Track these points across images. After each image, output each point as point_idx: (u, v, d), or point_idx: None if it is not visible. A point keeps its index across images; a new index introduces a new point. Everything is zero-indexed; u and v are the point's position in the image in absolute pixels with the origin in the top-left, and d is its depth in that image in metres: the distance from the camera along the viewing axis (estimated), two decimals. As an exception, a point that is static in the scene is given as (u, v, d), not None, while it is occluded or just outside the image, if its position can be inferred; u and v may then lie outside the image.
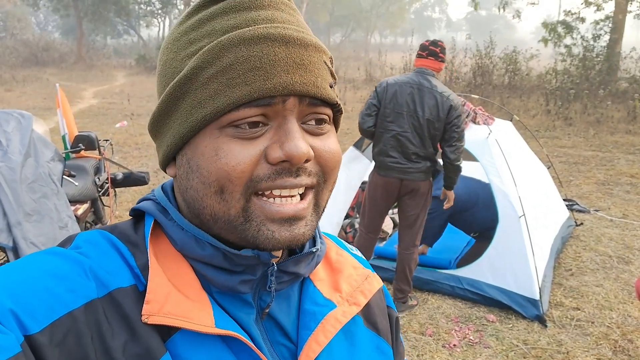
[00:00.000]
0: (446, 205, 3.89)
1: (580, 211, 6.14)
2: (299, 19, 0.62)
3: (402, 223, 3.89)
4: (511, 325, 3.72)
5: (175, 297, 0.57)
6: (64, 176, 3.67)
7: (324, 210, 0.64)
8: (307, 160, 0.57)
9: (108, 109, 14.55)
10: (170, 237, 0.63)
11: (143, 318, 0.55)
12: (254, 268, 0.61)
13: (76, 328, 0.52)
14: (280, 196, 0.58)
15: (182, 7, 36.97)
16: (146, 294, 0.57)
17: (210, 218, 0.59)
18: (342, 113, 0.65)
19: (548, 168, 5.78)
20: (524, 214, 4.01)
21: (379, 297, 0.78)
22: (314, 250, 0.68)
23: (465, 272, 4.13)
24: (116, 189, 4.86)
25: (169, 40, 0.63)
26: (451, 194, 3.83)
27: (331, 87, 0.61)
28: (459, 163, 3.64)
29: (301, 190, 0.59)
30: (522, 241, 3.94)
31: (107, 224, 4.51)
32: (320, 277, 0.72)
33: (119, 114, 13.43)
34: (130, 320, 0.55)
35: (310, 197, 0.60)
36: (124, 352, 0.53)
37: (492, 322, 3.76)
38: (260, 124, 0.57)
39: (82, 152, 4.43)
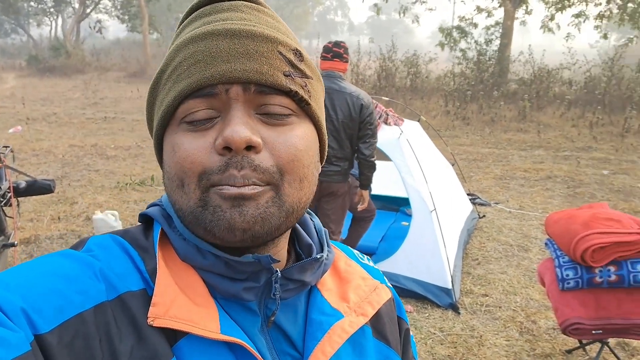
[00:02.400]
0: (360, 207, 3.99)
1: (482, 204, 6.55)
2: (263, 18, 0.63)
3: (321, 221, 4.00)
4: (427, 314, 3.92)
5: (182, 301, 0.57)
6: (-38, 186, 3.40)
7: (297, 210, 0.61)
8: (251, 148, 0.56)
9: (-1, 113, 13.54)
10: (173, 246, 0.63)
11: (148, 320, 0.55)
12: (258, 275, 0.62)
13: (85, 330, 0.52)
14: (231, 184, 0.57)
15: (76, 5, 35.08)
16: (153, 297, 0.57)
17: (180, 214, 0.60)
18: (310, 105, 0.62)
19: (452, 165, 6.12)
20: (435, 209, 4.24)
21: (389, 307, 0.77)
22: (319, 257, 0.67)
23: (382, 265, 4.28)
24: (19, 199, 4.55)
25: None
26: (367, 195, 3.94)
27: (288, 75, 0.59)
28: (373, 159, 3.75)
29: (251, 188, 0.56)
30: (434, 234, 4.16)
31: (11, 235, 4.22)
32: (328, 286, 0.71)
33: (12, 118, 12.55)
34: (138, 324, 0.55)
35: (264, 187, 0.57)
36: (131, 355, 0.53)
37: (409, 312, 3.93)
38: (209, 116, 0.58)
39: (-20, 160, 4.11)
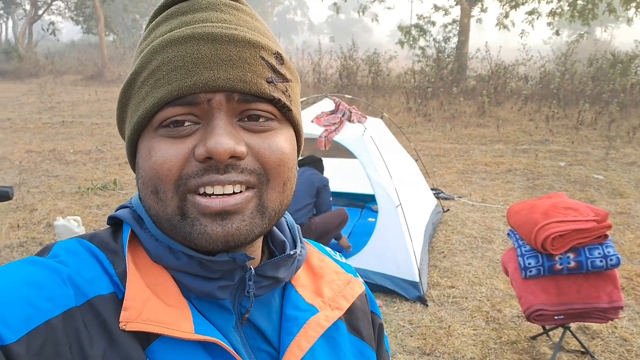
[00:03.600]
0: None
1: (445, 198, 6.68)
2: (243, 18, 0.61)
3: None
4: (397, 307, 3.98)
5: (154, 303, 0.57)
6: None
7: (279, 213, 0.62)
8: (236, 157, 0.56)
9: (-51, 120, 13.04)
10: (145, 247, 0.62)
11: (121, 325, 0.54)
12: (232, 273, 0.61)
13: (54, 337, 0.51)
14: (213, 194, 0.56)
15: (27, 7, 34.04)
16: (124, 301, 0.56)
17: (155, 219, 0.60)
18: (290, 110, 0.62)
19: (416, 161, 6.22)
20: (400, 204, 4.30)
21: (362, 302, 0.78)
22: (292, 253, 0.67)
23: (351, 261, 4.32)
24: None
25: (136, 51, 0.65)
26: None
27: (270, 82, 0.59)
28: None
29: (237, 189, 0.57)
30: (401, 229, 4.23)
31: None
32: (302, 282, 0.71)
33: (-36, 125, 12.11)
34: (109, 328, 0.54)
35: (247, 194, 0.57)
36: None
37: (379, 306, 3.98)
38: (189, 123, 0.56)
39: None
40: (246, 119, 0.58)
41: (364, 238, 4.50)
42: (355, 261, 4.30)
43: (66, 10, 34.70)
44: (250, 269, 0.63)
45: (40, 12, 31.96)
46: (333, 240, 4.88)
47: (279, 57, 0.61)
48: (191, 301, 0.61)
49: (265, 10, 58.41)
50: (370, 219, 5.62)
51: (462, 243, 5.26)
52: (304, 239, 0.75)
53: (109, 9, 30.96)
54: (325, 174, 5.19)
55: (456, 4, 17.04)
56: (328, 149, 4.74)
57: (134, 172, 0.64)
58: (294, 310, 0.67)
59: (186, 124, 0.57)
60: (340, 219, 4.78)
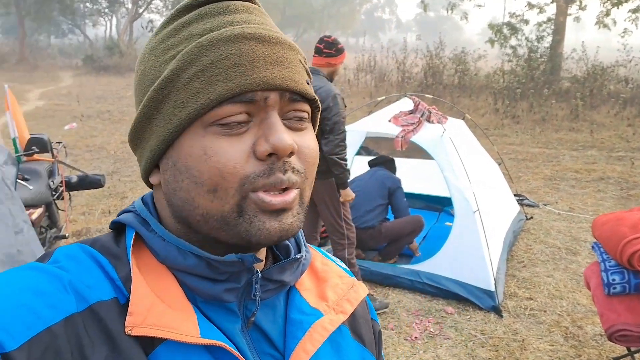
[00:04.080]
0: (345, 200, 3.84)
1: (530, 205, 6.39)
2: (271, 22, 0.64)
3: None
4: (469, 316, 3.85)
5: (159, 308, 0.57)
6: (17, 180, 3.56)
7: (307, 206, 0.65)
8: (291, 154, 0.58)
9: (55, 110, 14.11)
10: (152, 248, 0.62)
11: (126, 330, 0.54)
12: (239, 275, 0.61)
13: (55, 344, 0.51)
14: (271, 190, 0.58)
15: (129, 5, 36.15)
16: (129, 306, 0.56)
17: (201, 218, 0.59)
18: (320, 110, 0.66)
19: (499, 165, 5.99)
20: (478, 209, 4.16)
21: (363, 308, 0.79)
22: (299, 257, 0.67)
23: (423, 266, 4.24)
24: (70, 192, 4.74)
25: (145, 50, 0.63)
26: (346, 192, 3.76)
27: (308, 84, 0.62)
28: (334, 157, 3.60)
29: (286, 186, 0.59)
30: (477, 235, 4.09)
31: (63, 228, 4.39)
32: (306, 286, 0.71)
33: (68, 115, 13.05)
34: (112, 333, 0.54)
35: (295, 191, 0.60)
36: None
37: (450, 314, 3.88)
38: (244, 121, 0.57)
39: (35, 155, 4.30)
40: (292, 118, 0.61)
41: (439, 242, 4.38)
42: (427, 266, 4.21)
43: (164, 9, 36.53)
44: (257, 272, 0.63)
45: (140, 10, 33.83)
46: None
47: (305, 60, 0.64)
48: (196, 305, 0.61)
49: (354, 9, 58.47)
50: (447, 223, 5.47)
51: (544, 253, 5.00)
52: (307, 244, 0.74)
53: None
54: (401, 174, 5.12)
55: (552, 2, 16.25)
56: (404, 149, 4.67)
57: (147, 176, 0.64)
58: (298, 314, 0.67)
59: (242, 122, 0.57)
60: (414, 226, 4.68)
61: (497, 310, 3.87)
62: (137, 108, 0.62)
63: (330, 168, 3.65)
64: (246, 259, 0.60)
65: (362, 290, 0.76)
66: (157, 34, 0.63)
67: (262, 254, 0.66)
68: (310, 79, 0.65)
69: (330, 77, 3.77)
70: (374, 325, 0.80)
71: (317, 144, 0.64)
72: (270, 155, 0.57)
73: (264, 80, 0.56)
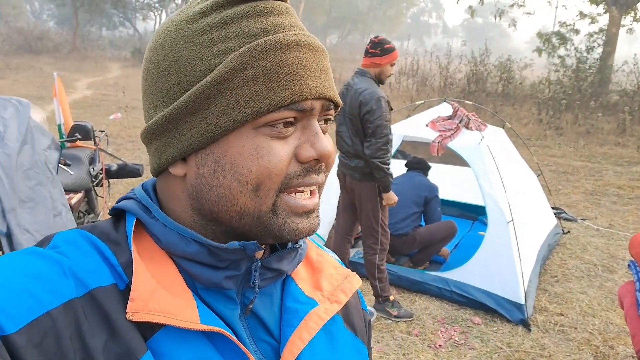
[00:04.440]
0: (387, 204, 3.80)
1: (567, 219, 6.23)
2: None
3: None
4: (496, 328, 3.78)
5: (160, 294, 0.57)
6: (59, 165, 3.67)
7: None
8: None
9: (102, 100, 14.51)
10: (154, 235, 0.63)
11: (128, 315, 0.55)
12: (239, 263, 0.62)
13: (55, 328, 0.51)
14: (303, 191, 0.62)
15: (179, 1, 36.83)
16: (131, 292, 0.56)
17: (237, 215, 0.60)
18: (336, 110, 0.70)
19: (538, 176, 5.86)
20: (512, 220, 4.08)
21: (355, 298, 0.81)
22: (297, 246, 0.69)
23: (453, 274, 4.19)
24: (110, 180, 4.87)
25: (178, 37, 0.60)
26: (389, 196, 3.72)
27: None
28: (376, 160, 3.55)
29: (316, 187, 0.63)
30: (510, 246, 4.01)
31: (100, 214, 4.52)
32: (301, 276, 0.73)
33: (113, 105, 13.39)
34: (111, 319, 0.55)
35: (318, 193, 0.65)
36: (104, 351, 0.53)
37: (477, 324, 3.82)
38: (292, 126, 0.60)
39: (78, 142, 4.44)
40: (322, 122, 0.64)
41: (471, 251, 4.32)
42: (457, 274, 4.16)
43: (213, 5, 37.01)
44: (257, 260, 0.64)
45: (189, 6, 34.35)
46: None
47: None
48: (196, 292, 0.62)
49: (400, 12, 58.07)
50: (480, 233, 5.37)
51: (579, 269, 4.87)
52: None
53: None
54: (436, 180, 5.06)
55: (605, 12, 15.79)
56: (441, 154, 4.62)
57: (165, 166, 0.63)
58: (294, 302, 0.69)
59: (290, 126, 0.60)
60: (447, 233, 4.63)
61: (525, 323, 3.79)
62: (161, 96, 0.61)
63: (372, 171, 3.62)
64: (248, 247, 0.61)
65: (355, 281, 0.77)
66: (194, 21, 0.60)
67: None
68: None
69: (379, 78, 3.72)
70: (365, 315, 0.83)
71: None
72: (311, 160, 0.61)
73: (316, 89, 0.60)
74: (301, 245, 0.70)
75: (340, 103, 0.65)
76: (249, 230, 0.61)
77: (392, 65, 3.73)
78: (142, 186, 0.68)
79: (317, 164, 0.62)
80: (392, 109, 3.69)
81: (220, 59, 0.58)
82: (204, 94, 0.58)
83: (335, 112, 0.67)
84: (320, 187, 0.65)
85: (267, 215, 0.60)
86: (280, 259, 0.67)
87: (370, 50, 3.69)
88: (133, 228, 0.62)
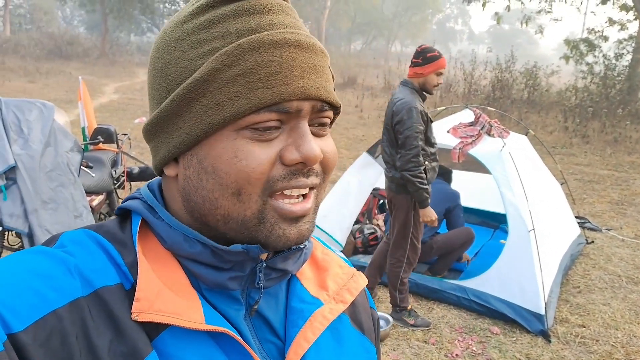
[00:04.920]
0: (424, 220, 3.70)
1: (591, 229, 6.10)
2: (302, 23, 0.64)
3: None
4: (515, 338, 3.72)
5: (165, 294, 0.57)
6: (81, 167, 3.74)
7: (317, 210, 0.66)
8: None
9: (128, 104, 14.74)
10: (159, 235, 0.63)
11: (133, 316, 0.55)
12: (243, 264, 0.62)
13: (60, 327, 0.51)
14: (291, 196, 0.59)
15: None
16: (136, 292, 0.56)
17: (222, 219, 0.59)
18: (339, 114, 0.66)
19: (562, 184, 5.76)
20: (533, 228, 4.01)
21: (363, 297, 0.80)
22: (302, 247, 0.68)
23: (471, 283, 4.13)
24: (132, 183, 4.94)
25: (170, 38, 0.60)
26: (424, 212, 3.63)
27: (334, 90, 0.63)
28: (407, 173, 3.46)
29: (306, 190, 0.60)
30: (531, 255, 3.94)
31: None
32: (306, 275, 0.72)
33: (139, 109, 13.60)
34: (116, 318, 0.55)
35: (312, 196, 0.62)
36: (109, 350, 0.53)
37: (495, 334, 3.76)
38: (276, 128, 0.58)
39: (101, 145, 4.52)
40: (316, 125, 0.61)
41: (491, 260, 4.26)
42: (476, 283, 4.10)
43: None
44: (262, 261, 0.64)
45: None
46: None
47: (330, 66, 0.64)
48: (201, 292, 0.62)
49: (425, 18, 57.81)
50: (502, 241, 5.28)
51: (602, 280, 4.76)
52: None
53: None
54: (457, 187, 5.00)
55: (635, 19, 15.49)
56: (462, 161, 4.57)
57: (162, 167, 0.64)
58: (299, 302, 0.68)
59: (273, 128, 0.58)
60: (465, 239, 4.58)
61: (545, 334, 3.71)
62: (156, 97, 0.62)
63: (406, 184, 3.54)
64: (251, 250, 0.61)
65: (362, 280, 0.76)
66: (184, 23, 0.60)
67: None
68: (334, 80, 0.65)
69: (424, 89, 3.61)
70: (373, 313, 0.82)
71: (335, 148, 0.65)
72: (297, 163, 0.58)
73: (302, 89, 0.57)
74: (306, 244, 0.69)
75: (338, 104, 0.63)
76: (235, 235, 0.60)
77: (438, 74, 3.58)
78: (147, 186, 0.68)
79: (305, 167, 0.59)
80: (431, 121, 3.62)
81: (204, 59, 0.58)
82: (185, 95, 0.58)
83: (336, 115, 0.65)
84: (319, 190, 0.63)
85: (252, 222, 0.58)
86: (285, 259, 0.66)
87: (413, 60, 3.62)
88: (138, 228, 0.62)
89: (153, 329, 0.56)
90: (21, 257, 0.56)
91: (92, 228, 0.62)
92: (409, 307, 3.89)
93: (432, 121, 3.64)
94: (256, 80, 0.56)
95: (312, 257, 0.76)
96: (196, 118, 0.58)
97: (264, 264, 0.64)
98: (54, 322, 0.51)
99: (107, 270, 0.58)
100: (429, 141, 3.63)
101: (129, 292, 0.57)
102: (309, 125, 0.60)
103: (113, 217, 0.67)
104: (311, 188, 0.61)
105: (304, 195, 0.61)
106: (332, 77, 0.64)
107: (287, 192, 0.59)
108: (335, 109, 0.63)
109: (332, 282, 0.73)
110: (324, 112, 0.61)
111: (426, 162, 3.57)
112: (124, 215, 0.67)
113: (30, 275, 0.53)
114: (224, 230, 0.60)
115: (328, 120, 0.63)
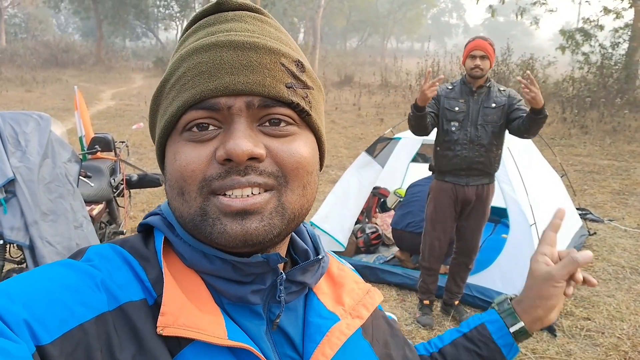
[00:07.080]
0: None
1: (593, 220, 6.09)
2: (266, 28, 0.63)
3: None
4: (520, 333, 3.71)
5: (189, 309, 0.58)
6: (80, 177, 3.74)
7: (299, 217, 0.63)
8: (256, 159, 0.58)
9: (125, 110, 14.73)
10: (179, 253, 0.64)
11: (158, 330, 0.56)
12: (264, 277, 0.63)
13: (86, 341, 0.52)
14: (232, 196, 0.58)
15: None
16: (162, 306, 0.57)
17: (180, 220, 0.62)
18: (310, 115, 0.63)
19: (562, 177, 5.75)
20: (535, 223, 4.00)
21: (377, 311, 0.80)
22: (320, 257, 0.69)
23: (474, 279, 4.12)
24: (131, 190, 4.93)
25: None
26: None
27: (290, 87, 0.60)
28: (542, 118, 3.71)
29: (256, 191, 0.58)
30: (533, 249, 3.89)
31: (122, 224, 4.58)
32: (323, 290, 0.73)
33: (136, 115, 13.58)
34: (140, 333, 0.55)
35: (265, 195, 0.59)
36: None
37: (501, 330, 3.74)
38: (213, 127, 0.59)
39: (98, 154, 4.50)
40: (267, 124, 0.60)
41: (493, 255, 4.25)
42: (478, 279, 4.09)
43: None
44: (282, 273, 0.64)
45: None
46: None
47: (299, 64, 0.63)
48: (223, 307, 0.62)
49: (420, 13, 57.76)
50: (503, 235, 5.28)
51: (606, 271, 4.75)
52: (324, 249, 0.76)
53: (269, 12, 32.77)
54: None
55: (630, 6, 15.45)
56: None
57: (164, 176, 0.67)
58: (316, 317, 0.68)
59: (210, 128, 0.59)
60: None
61: (550, 329, 3.70)
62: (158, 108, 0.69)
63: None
64: (271, 258, 0.62)
65: (377, 296, 0.78)
66: (180, 40, 0.68)
67: (282, 250, 0.68)
68: (302, 82, 0.62)
69: (469, 75, 3.90)
70: (383, 315, 0.82)
71: (307, 150, 0.63)
72: (228, 161, 0.57)
73: (225, 85, 0.57)
74: (323, 257, 0.71)
75: (288, 99, 0.60)
76: (195, 235, 0.62)
77: (472, 57, 3.80)
78: (168, 201, 0.68)
79: (238, 165, 0.57)
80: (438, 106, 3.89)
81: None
82: (152, 108, 0.66)
83: (300, 112, 0.62)
84: (283, 192, 0.60)
85: (197, 219, 0.59)
86: (303, 271, 0.67)
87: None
88: (162, 244, 0.64)
89: (175, 345, 0.57)
90: (50, 270, 0.57)
91: (117, 243, 0.64)
92: (425, 302, 3.95)
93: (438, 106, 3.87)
94: (186, 82, 0.59)
95: (328, 272, 0.76)
96: (157, 127, 0.64)
97: (284, 276, 0.64)
98: (80, 335, 0.52)
99: (131, 285, 0.59)
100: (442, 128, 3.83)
101: (152, 308, 0.58)
102: (260, 125, 0.60)
103: (135, 233, 0.69)
104: (267, 188, 0.59)
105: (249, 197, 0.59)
106: (295, 75, 0.62)
107: (228, 192, 0.58)
108: (295, 106, 0.61)
109: (348, 297, 0.73)
110: (270, 108, 0.59)
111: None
112: (147, 230, 0.68)
113: (60, 288, 0.54)
114: (190, 233, 0.62)
115: (284, 118, 0.61)
